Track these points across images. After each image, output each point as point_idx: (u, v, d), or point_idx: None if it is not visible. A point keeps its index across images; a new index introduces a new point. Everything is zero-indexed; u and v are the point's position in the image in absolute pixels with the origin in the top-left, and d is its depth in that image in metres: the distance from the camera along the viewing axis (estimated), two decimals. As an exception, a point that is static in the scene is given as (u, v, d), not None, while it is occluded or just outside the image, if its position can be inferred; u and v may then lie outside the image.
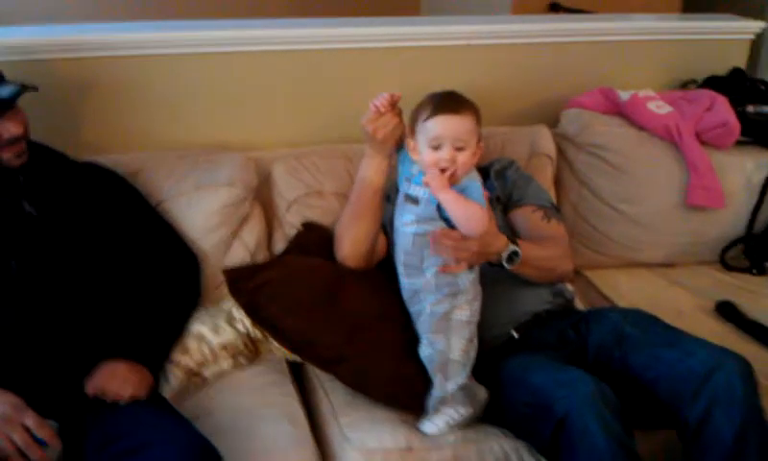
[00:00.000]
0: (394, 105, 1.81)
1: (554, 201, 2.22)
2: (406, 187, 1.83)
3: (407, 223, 1.81)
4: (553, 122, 2.57)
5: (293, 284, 1.91)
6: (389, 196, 1.97)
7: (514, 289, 1.96)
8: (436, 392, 1.78)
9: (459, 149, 1.73)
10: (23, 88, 1.75)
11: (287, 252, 2.14)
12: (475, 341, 1.81)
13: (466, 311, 1.79)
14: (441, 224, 1.77)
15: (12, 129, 1.72)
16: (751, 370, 1.69)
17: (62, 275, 1.78)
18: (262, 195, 2.24)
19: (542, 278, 2.00)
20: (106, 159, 2.06)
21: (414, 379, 1.81)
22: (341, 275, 1.95)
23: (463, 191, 1.74)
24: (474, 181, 1.76)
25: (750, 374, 1.68)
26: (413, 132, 1.79)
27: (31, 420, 1.56)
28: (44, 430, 1.57)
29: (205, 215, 2.09)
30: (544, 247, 1.99)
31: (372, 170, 1.90)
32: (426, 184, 1.75)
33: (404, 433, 1.77)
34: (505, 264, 1.86)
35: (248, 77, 2.38)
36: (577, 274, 2.40)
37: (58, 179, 1.86)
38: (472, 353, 1.80)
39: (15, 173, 1.77)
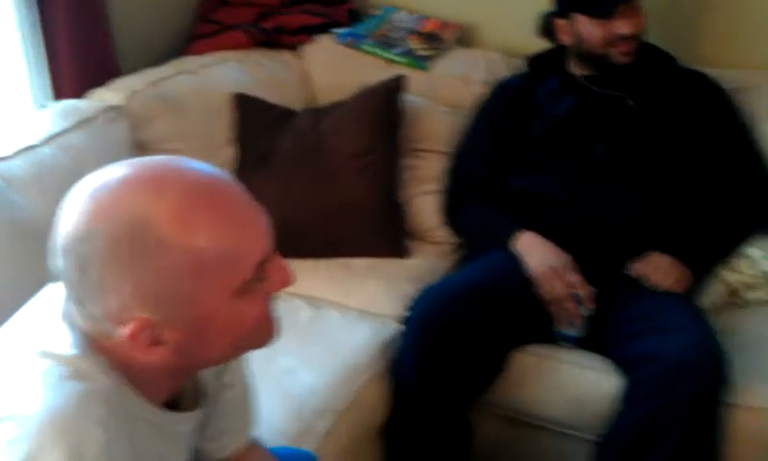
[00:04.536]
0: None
1: None
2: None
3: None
4: None
5: None
6: None
7: None
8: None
9: None
10: None
11: None
12: None
13: None
14: None
15: (623, 28, 1.90)
16: None
17: (642, 165, 1.96)
18: None
19: None
20: (713, 72, 2.09)
21: None
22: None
23: None
24: None
25: None
26: None
27: (575, 278, 1.83)
28: (585, 290, 1.81)
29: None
30: None
31: None
32: None
33: None
34: None
35: None
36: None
37: (662, 79, 2.02)
38: None
39: (623, 69, 1.95)
